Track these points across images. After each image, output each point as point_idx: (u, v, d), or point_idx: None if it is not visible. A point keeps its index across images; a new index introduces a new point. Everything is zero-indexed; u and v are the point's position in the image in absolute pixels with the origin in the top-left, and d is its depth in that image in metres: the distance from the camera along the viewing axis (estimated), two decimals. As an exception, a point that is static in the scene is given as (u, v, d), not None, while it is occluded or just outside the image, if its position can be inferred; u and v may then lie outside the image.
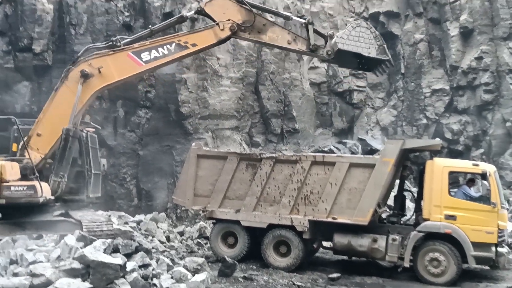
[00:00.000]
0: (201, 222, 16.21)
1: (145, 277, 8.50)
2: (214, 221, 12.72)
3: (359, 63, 12.08)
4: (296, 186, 11.69)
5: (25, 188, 10.60)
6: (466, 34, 19.84)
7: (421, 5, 20.71)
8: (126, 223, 15.15)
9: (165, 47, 11.71)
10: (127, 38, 12.27)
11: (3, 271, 8.57)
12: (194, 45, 11.77)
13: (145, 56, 11.66)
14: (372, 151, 14.15)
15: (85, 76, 11.43)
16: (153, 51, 11.68)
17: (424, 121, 20.54)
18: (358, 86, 21.40)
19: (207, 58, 19.58)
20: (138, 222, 15.56)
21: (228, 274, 10.39)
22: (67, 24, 19.48)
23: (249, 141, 20.29)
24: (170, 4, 19.54)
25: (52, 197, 11.21)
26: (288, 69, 20.79)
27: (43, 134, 11.54)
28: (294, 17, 12.68)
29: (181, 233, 15.72)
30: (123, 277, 8.13)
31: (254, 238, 12.18)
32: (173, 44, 11.72)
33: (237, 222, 12.16)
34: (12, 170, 10.80)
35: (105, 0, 19.66)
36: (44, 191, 10.93)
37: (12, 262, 8.83)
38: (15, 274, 8.22)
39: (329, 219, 11.38)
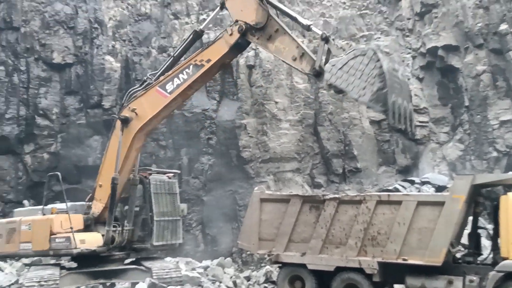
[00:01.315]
0: (267, 266, 16.08)
1: (214, 324, 8.53)
2: (280, 265, 12.58)
3: None
4: (362, 227, 11.39)
5: (63, 240, 11.12)
6: (532, 62, 19.08)
7: (480, 36, 20.18)
8: (193, 269, 15.34)
9: (184, 72, 11.68)
10: (157, 72, 12.41)
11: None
12: (209, 60, 11.51)
13: (169, 86, 11.76)
14: (441, 189, 13.50)
15: (125, 121, 11.78)
16: (175, 79, 11.74)
17: (494, 154, 19.59)
18: (420, 122, 20.83)
19: (265, 103, 19.99)
20: (205, 268, 15.72)
21: (297, 320, 10.20)
22: (133, 80, 20.66)
23: (311, 183, 20.16)
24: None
25: (94, 248, 11.39)
26: (346, 108, 20.72)
27: (103, 184, 12.02)
28: (314, 28, 10.82)
29: (248, 278, 15.67)
30: (193, 323, 8.19)
31: (322, 282, 11.89)
32: (191, 67, 11.63)
33: (304, 266, 11.95)
34: (63, 223, 11.32)
35: (167, 55, 20.76)
36: (88, 241, 11.34)
37: (87, 310, 9.15)
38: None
39: (399, 261, 10.93)
